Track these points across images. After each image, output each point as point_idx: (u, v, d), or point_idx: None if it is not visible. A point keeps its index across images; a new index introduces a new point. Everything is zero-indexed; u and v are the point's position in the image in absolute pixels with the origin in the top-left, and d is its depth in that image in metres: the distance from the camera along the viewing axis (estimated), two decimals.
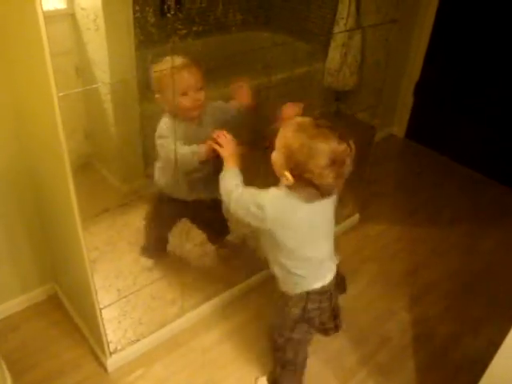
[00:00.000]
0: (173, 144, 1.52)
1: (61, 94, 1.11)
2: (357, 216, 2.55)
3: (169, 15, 1.38)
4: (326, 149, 1.17)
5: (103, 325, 1.61)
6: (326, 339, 1.91)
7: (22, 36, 1.18)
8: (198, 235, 2.00)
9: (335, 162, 1.18)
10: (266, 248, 1.43)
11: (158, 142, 1.57)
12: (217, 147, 1.47)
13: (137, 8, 1.31)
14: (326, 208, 1.36)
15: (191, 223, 1.93)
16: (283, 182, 1.26)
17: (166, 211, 1.82)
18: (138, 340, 1.78)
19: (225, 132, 1.50)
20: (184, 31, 1.43)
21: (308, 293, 1.41)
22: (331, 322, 1.66)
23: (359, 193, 2.50)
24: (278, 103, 1.59)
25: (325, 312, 1.49)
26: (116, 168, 1.72)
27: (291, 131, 1.22)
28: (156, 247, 1.99)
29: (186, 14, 1.48)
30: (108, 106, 1.45)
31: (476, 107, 2.94)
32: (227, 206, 1.40)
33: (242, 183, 1.39)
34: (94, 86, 1.28)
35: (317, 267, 1.41)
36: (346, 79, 2.34)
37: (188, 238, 1.96)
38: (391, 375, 1.80)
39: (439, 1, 2.89)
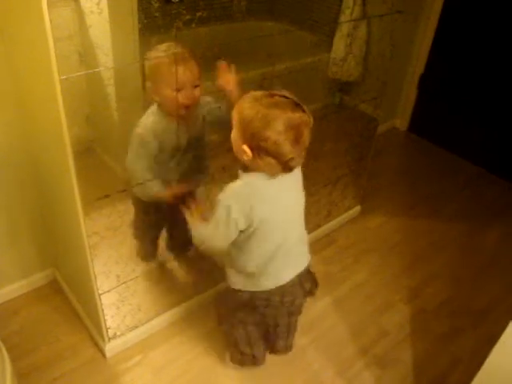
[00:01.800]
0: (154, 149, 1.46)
1: (63, 77, 1.10)
2: (358, 208, 2.55)
3: (173, 0, 1.36)
4: (281, 115, 1.18)
5: (102, 310, 1.61)
6: (324, 327, 1.92)
7: (25, 20, 1.17)
8: None
9: (291, 129, 1.19)
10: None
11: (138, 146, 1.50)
12: (185, 211, 1.46)
13: None
14: (290, 185, 1.36)
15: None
16: (243, 158, 1.25)
17: (149, 217, 1.76)
18: (137, 326, 1.79)
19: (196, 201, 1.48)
20: (188, 17, 1.42)
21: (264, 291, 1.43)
22: (284, 340, 1.66)
23: (360, 185, 2.50)
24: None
25: (278, 308, 1.49)
26: (118, 154, 1.71)
27: (246, 103, 1.23)
28: (146, 253, 1.92)
29: None
30: (111, 90, 1.44)
31: (480, 102, 2.92)
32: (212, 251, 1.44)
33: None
34: (96, 69, 1.27)
35: (281, 258, 1.40)
36: (351, 69, 2.33)
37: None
38: (388, 367, 1.80)
39: None
